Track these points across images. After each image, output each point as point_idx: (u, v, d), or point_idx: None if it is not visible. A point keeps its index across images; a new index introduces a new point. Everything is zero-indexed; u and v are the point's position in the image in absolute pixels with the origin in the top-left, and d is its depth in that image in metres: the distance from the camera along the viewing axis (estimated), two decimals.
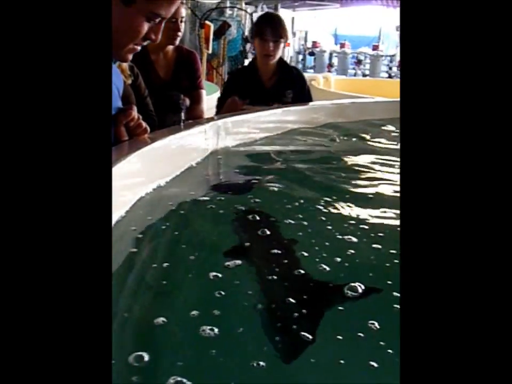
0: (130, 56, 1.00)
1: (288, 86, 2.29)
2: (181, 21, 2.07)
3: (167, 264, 0.77)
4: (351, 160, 1.60)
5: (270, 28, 2.19)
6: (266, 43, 2.18)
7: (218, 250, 0.85)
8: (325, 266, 0.79)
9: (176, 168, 1.27)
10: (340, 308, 0.68)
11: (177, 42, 2.12)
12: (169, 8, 0.94)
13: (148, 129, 1.25)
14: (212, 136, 1.48)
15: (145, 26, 0.94)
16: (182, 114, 1.49)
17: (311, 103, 2.23)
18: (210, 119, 1.54)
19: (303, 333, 0.62)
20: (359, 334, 0.62)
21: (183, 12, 2.09)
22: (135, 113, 1.19)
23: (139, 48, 0.98)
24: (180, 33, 2.08)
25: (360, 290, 0.72)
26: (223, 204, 1.07)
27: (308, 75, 5.80)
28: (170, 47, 2.14)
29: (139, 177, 1.09)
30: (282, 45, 2.22)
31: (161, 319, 0.62)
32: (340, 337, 0.61)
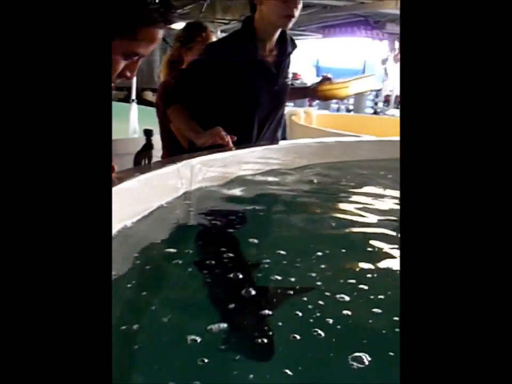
0: None
1: (287, 64, 2.01)
2: None
3: None
4: (332, 205, 1.64)
5: None
6: None
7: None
8: (319, 332, 0.77)
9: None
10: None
11: None
12: (148, 47, 0.97)
13: (115, 168, 1.26)
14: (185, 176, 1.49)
15: (122, 64, 0.98)
16: (152, 152, 1.51)
17: (292, 141, 2.27)
18: (183, 158, 1.55)
19: None
20: None
21: None
22: None
23: (112, 85, 1.00)
24: None
25: (366, 362, 0.70)
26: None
27: (287, 109, 5.91)
28: None
29: None
30: (300, 6, 1.85)
31: None
32: None
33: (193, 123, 1.86)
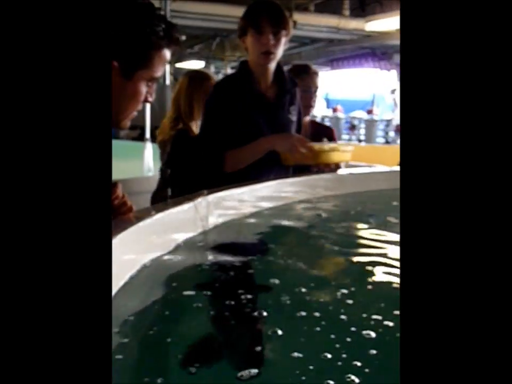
0: (129, 123, 1.10)
1: (290, 100, 2.08)
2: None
3: None
4: (349, 239, 1.63)
5: (266, 16, 1.87)
6: (264, 36, 1.87)
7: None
8: (353, 377, 0.73)
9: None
10: None
11: None
12: (161, 70, 1.11)
13: (133, 208, 1.27)
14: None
15: (145, 91, 1.10)
16: (169, 190, 1.52)
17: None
18: (200, 195, 1.56)
19: None
20: None
21: None
22: (120, 190, 1.22)
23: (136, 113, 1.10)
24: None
25: None
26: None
27: None
28: None
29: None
30: (284, 39, 1.93)
31: None
32: None
33: (242, 148, 1.96)
